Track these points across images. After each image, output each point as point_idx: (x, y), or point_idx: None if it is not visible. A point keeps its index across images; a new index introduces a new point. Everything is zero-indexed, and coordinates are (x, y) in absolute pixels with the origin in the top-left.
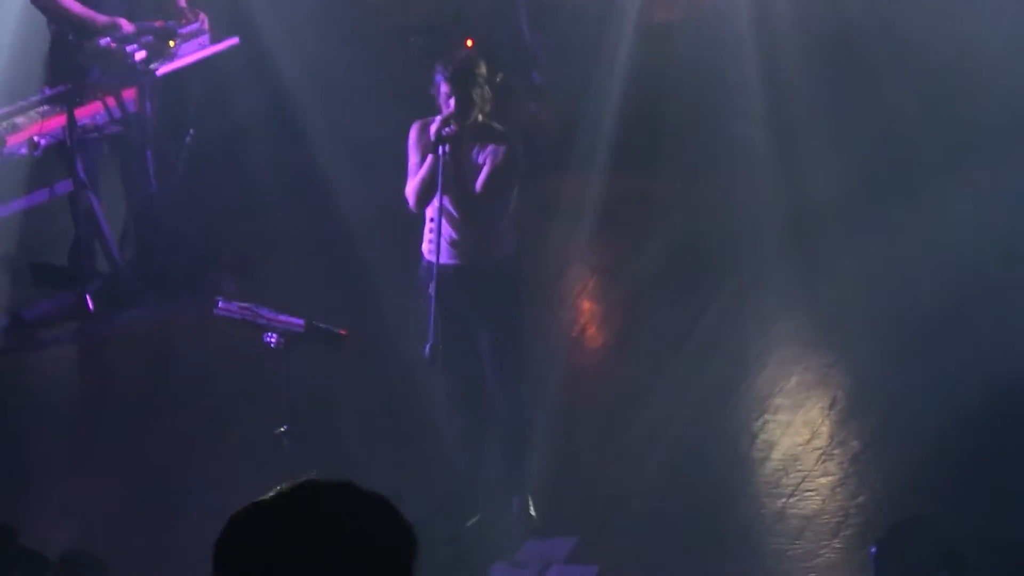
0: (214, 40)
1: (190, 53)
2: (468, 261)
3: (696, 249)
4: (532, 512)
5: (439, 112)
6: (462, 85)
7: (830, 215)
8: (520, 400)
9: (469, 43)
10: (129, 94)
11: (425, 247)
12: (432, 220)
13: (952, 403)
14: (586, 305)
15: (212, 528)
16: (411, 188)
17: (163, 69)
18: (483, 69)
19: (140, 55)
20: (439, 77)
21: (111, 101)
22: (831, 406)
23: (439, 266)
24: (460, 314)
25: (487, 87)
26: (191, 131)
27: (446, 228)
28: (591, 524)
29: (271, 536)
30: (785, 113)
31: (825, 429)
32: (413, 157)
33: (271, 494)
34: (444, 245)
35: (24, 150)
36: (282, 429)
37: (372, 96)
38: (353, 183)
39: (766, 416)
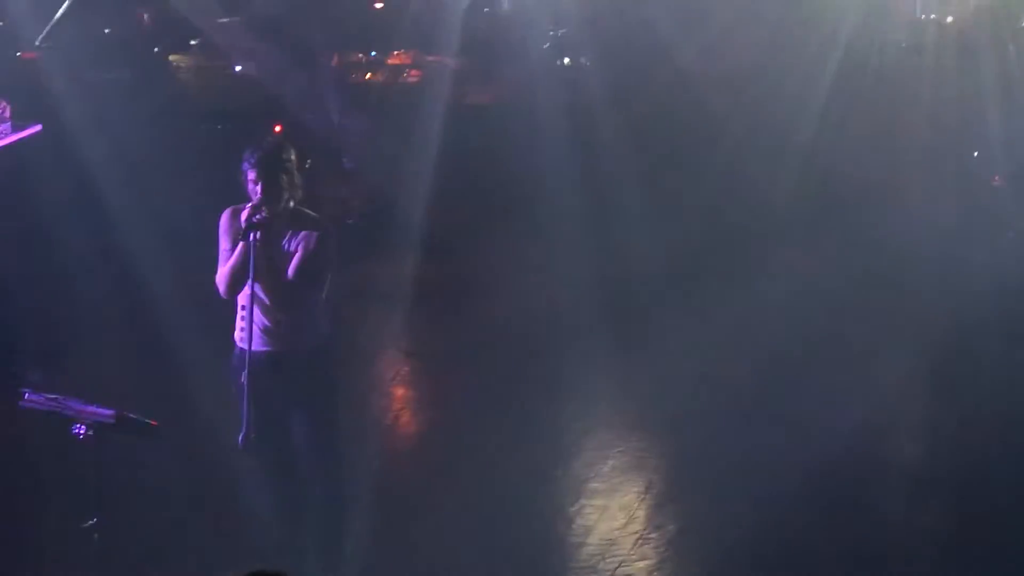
0: (16, 127)
1: None
2: (281, 348)
3: (512, 331)
4: None
5: (249, 199)
6: (270, 171)
7: (645, 297)
8: (335, 486)
9: (277, 128)
10: None
11: (237, 335)
12: (244, 308)
13: (767, 485)
14: (400, 390)
15: None
16: (222, 275)
17: None
18: (291, 155)
19: None
20: (246, 164)
21: None
22: (647, 490)
23: (252, 353)
24: (273, 401)
25: (296, 173)
26: None
27: (258, 315)
28: None
29: None
30: (602, 191)
31: (641, 513)
32: (224, 244)
33: None
34: (256, 332)
35: None
36: (91, 522)
37: (180, 181)
38: (162, 269)
39: (582, 500)
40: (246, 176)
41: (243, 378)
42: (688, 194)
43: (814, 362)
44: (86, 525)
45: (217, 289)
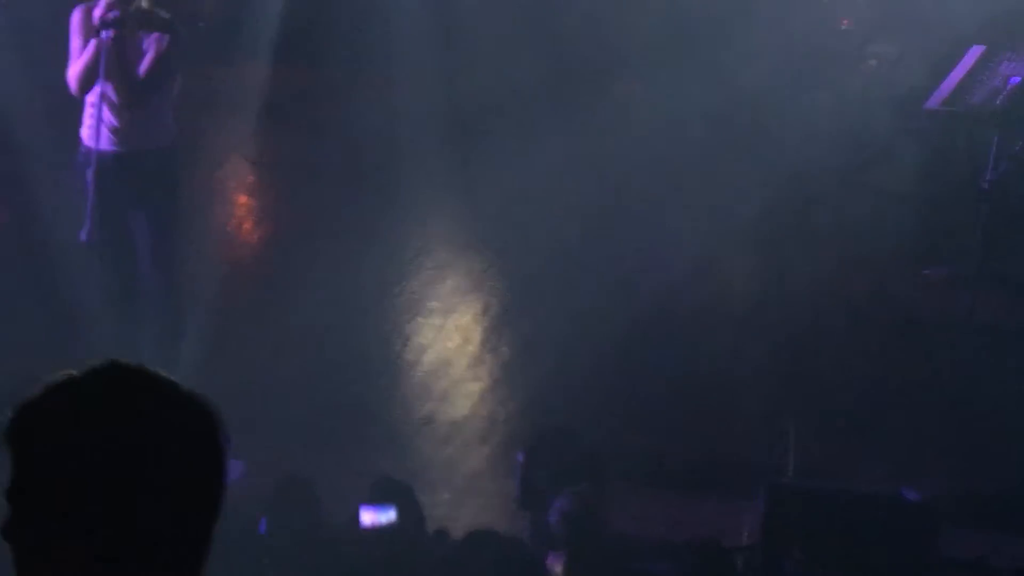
0: None
1: None
2: (127, 148)
3: (357, 145)
4: None
5: None
6: None
7: (489, 117)
8: (172, 288)
9: None
10: None
11: (85, 132)
12: (93, 106)
13: (599, 317)
14: (243, 199)
15: None
16: (73, 72)
17: None
18: None
19: None
20: None
21: None
22: (484, 312)
23: (98, 152)
24: (117, 200)
25: None
26: None
27: (107, 114)
28: (239, 419)
29: (67, 417)
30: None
31: (477, 335)
32: (75, 41)
33: (63, 376)
34: (104, 131)
35: None
36: None
37: None
38: (8, 63)
39: (420, 318)
40: None
41: (88, 175)
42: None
43: (662, 196)
44: None
45: (68, 85)
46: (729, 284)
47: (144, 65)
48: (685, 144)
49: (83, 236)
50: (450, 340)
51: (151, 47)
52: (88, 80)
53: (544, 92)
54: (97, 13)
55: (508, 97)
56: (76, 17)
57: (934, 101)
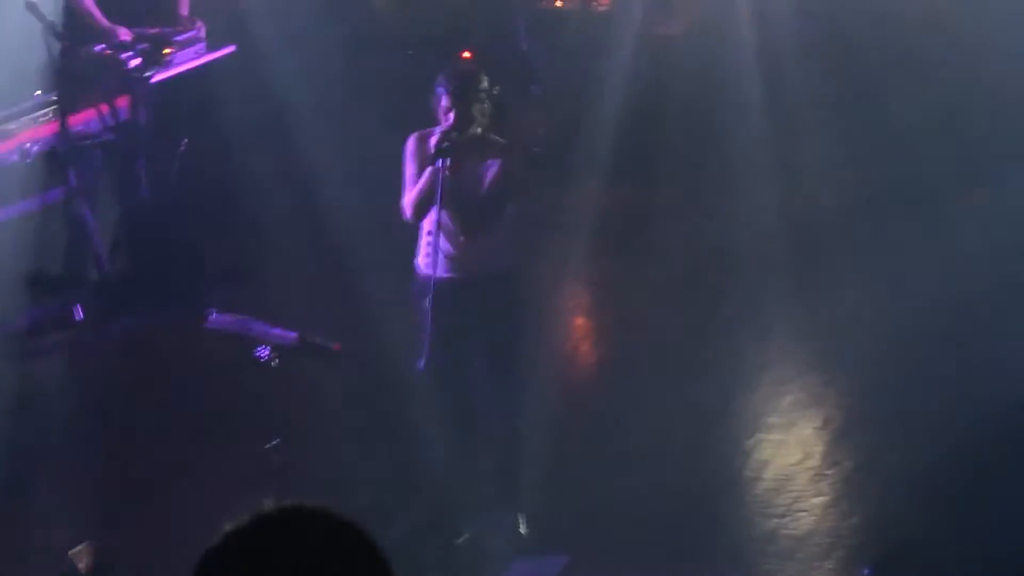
0: (211, 48)
1: (186, 61)
2: (465, 274)
3: (695, 265)
4: (523, 529)
5: (436, 123)
6: (464, 98)
7: (832, 232)
8: (514, 414)
9: (467, 55)
10: (122, 102)
11: (421, 260)
12: (430, 233)
13: (946, 428)
14: (580, 320)
15: (198, 541)
16: (409, 200)
17: (157, 77)
18: (484, 82)
19: (135, 62)
20: (440, 89)
21: (104, 108)
22: (824, 426)
23: (436, 279)
24: (456, 328)
25: (488, 101)
26: (184, 139)
27: (443, 242)
28: (581, 543)
29: (243, 568)
30: (787, 127)
31: (818, 449)
32: (410, 168)
33: (245, 521)
34: (441, 258)
35: (15, 157)
36: (272, 443)
37: (367, 106)
38: (347, 194)
39: (759, 435)
40: (439, 102)
41: (427, 303)
42: (876, 133)
43: (1007, 308)
44: (267, 447)
45: (403, 213)
46: None
47: (482, 192)
48: None
49: (421, 365)
50: (791, 456)
51: (487, 173)
52: (423, 207)
53: (883, 204)
54: (433, 141)
55: (849, 211)
56: (411, 144)
57: None
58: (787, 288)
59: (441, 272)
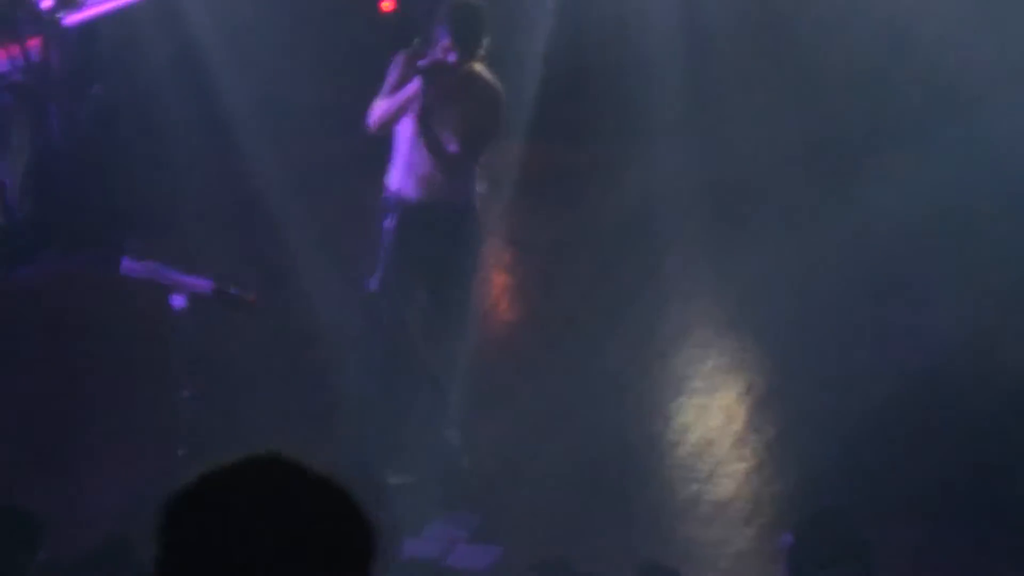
0: None
1: (99, 4)
2: (432, 200)
3: (615, 223)
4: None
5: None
6: (467, 45)
7: (752, 193)
8: (456, 348)
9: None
10: (34, 43)
11: (394, 177)
12: (404, 152)
13: (867, 393)
14: (500, 277)
15: (110, 492)
16: (381, 107)
17: (69, 19)
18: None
19: (46, 3)
20: (442, 29)
21: (15, 50)
22: (747, 391)
23: (404, 199)
24: (414, 250)
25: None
26: (98, 85)
27: (417, 162)
28: (497, 503)
29: (220, 516)
30: (710, 86)
31: (741, 414)
32: (391, 77)
33: (215, 469)
34: (413, 178)
35: None
36: (185, 394)
37: (288, 52)
38: (265, 140)
39: (682, 398)
40: (439, 37)
41: (388, 221)
42: (798, 92)
43: (923, 269)
44: (180, 397)
45: (367, 116)
46: (1004, 360)
47: (463, 123)
48: (951, 214)
49: (374, 283)
50: (713, 420)
51: (472, 105)
52: (391, 121)
53: (804, 166)
54: (424, 62)
55: (769, 172)
56: (400, 56)
57: None
58: (708, 248)
59: (408, 193)
